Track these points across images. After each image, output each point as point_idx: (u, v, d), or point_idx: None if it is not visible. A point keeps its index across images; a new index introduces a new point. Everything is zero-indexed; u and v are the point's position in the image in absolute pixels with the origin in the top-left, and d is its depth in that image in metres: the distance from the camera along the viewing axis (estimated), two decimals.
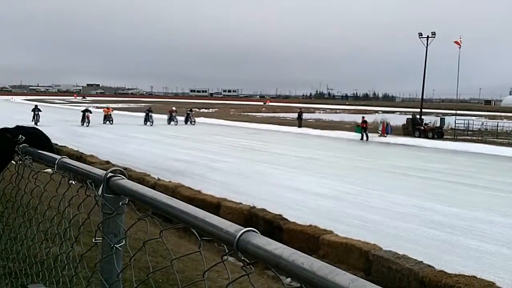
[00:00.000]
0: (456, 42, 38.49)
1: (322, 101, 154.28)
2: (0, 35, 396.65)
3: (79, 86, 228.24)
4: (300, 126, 42.79)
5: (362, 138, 34.17)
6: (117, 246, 1.68)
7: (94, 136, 32.32)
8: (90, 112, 41.40)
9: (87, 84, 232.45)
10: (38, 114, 41.58)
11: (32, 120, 40.15)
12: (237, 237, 1.07)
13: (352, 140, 33.86)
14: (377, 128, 37.86)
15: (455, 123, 39.52)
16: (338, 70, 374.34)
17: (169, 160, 21.46)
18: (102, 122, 43.11)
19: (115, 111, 48.69)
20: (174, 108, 46.33)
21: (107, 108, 45.72)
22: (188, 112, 45.91)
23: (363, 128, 34.22)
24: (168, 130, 38.85)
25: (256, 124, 44.47)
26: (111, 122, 43.05)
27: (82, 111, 42.05)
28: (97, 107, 61.43)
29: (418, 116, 38.25)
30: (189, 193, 12.63)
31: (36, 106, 43.46)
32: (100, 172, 1.77)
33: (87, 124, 40.17)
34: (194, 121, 45.27)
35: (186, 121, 44.40)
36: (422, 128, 35.91)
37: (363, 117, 35.63)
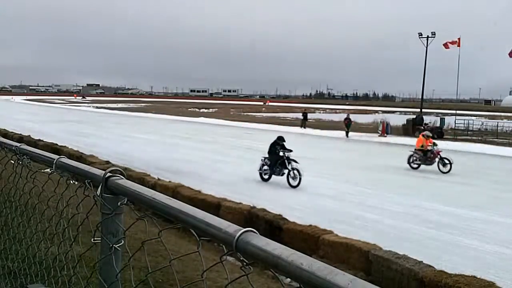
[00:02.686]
0: (450, 42, 38.29)
1: (322, 101, 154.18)
2: (0, 35, 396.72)
3: (79, 86, 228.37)
4: (304, 126, 41.58)
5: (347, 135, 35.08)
6: (116, 246, 1.67)
7: None
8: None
9: (87, 84, 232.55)
10: (288, 158, 17.07)
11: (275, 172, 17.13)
12: (236, 237, 1.06)
13: (352, 140, 33.86)
14: (377, 128, 37.90)
15: (455, 123, 39.53)
16: (338, 70, 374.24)
17: None
18: (409, 164, 20.79)
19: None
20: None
21: (426, 137, 21.23)
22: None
23: (346, 126, 35.27)
24: None
25: (256, 124, 44.37)
26: (448, 168, 19.67)
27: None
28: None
29: (423, 117, 38.40)
30: (189, 193, 12.61)
31: (280, 138, 18.71)
32: (98, 172, 1.76)
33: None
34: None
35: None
36: (422, 128, 35.92)
37: (347, 115, 36.35)
